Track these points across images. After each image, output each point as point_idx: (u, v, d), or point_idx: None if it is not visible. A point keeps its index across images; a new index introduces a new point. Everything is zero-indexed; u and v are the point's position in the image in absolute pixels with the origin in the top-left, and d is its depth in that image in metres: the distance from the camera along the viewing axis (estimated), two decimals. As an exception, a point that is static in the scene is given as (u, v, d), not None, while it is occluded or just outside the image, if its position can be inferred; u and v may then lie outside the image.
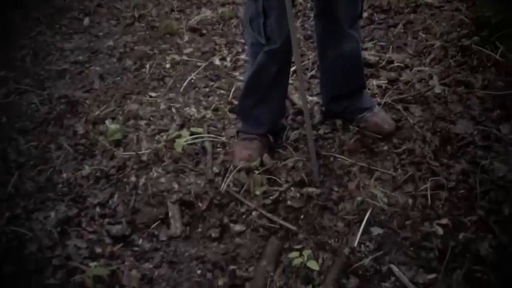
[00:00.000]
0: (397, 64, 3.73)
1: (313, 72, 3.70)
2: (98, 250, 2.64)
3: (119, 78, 4.12)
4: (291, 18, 2.50)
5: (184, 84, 3.86)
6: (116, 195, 2.96)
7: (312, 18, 3.02)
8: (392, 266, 2.39)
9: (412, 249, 2.47)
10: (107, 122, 3.56)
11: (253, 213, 2.72)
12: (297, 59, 2.62)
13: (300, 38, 4.01)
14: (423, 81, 3.53)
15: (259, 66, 2.86)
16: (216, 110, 3.53)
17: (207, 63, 4.08)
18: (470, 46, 3.69)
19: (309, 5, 4.59)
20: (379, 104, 3.29)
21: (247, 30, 2.90)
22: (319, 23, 3.04)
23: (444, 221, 2.56)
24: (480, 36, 3.72)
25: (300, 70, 2.66)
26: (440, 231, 2.52)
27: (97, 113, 3.66)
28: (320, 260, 2.44)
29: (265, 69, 2.87)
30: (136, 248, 2.66)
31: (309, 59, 3.77)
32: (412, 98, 3.37)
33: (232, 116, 3.42)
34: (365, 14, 4.38)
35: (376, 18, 4.33)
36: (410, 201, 2.70)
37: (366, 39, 4.08)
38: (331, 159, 3.00)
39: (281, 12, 2.63)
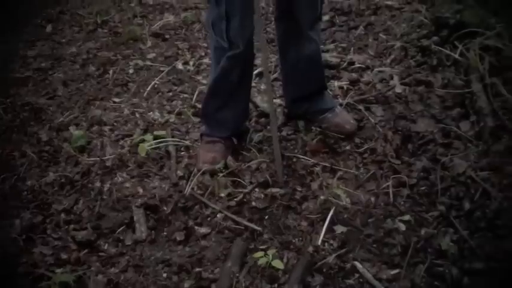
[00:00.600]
0: (358, 65, 3.77)
1: (276, 75, 3.73)
2: (64, 256, 2.62)
3: (82, 84, 4.10)
4: (260, 22, 2.53)
5: (148, 89, 3.86)
6: (81, 201, 2.95)
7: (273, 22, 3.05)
8: (355, 262, 2.42)
9: (375, 246, 2.50)
10: (70, 128, 3.54)
11: (218, 215, 2.73)
12: (264, 62, 2.64)
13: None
14: (384, 81, 3.58)
15: (222, 71, 2.88)
16: (179, 114, 3.54)
17: (170, 67, 4.09)
18: (429, 46, 3.75)
19: (271, 8, 4.62)
20: (341, 104, 3.33)
21: (209, 34, 2.92)
22: (280, 26, 3.08)
23: (406, 217, 2.61)
24: (439, 36, 3.78)
25: (267, 74, 2.68)
26: (402, 227, 2.56)
27: (61, 119, 3.64)
28: (285, 259, 2.46)
29: (228, 73, 2.88)
30: (102, 253, 2.65)
31: (271, 62, 3.79)
32: (373, 98, 3.42)
33: (196, 119, 3.43)
34: (326, 17, 4.43)
35: (338, 21, 4.38)
36: (372, 199, 2.75)
37: (328, 41, 4.13)
38: (295, 159, 3.02)
39: (243, 17, 2.67)
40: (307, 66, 3.09)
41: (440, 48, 3.68)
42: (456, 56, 3.57)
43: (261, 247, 2.53)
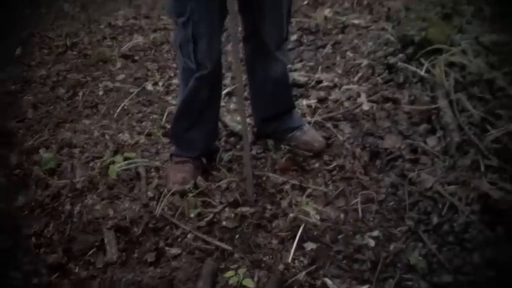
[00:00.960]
0: (326, 83, 3.81)
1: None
2: (35, 281, 2.60)
3: (52, 107, 4.10)
4: (236, 42, 2.54)
5: (118, 110, 3.86)
6: (51, 224, 2.94)
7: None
8: (326, 279, 2.43)
9: (345, 262, 2.52)
10: (40, 151, 3.53)
11: (189, 235, 2.74)
12: (238, 82, 2.64)
13: (231, 61, 4.07)
14: (351, 99, 3.62)
15: (190, 92, 2.89)
16: (149, 134, 3.55)
17: (139, 88, 4.10)
18: (396, 63, 3.79)
19: (239, 28, 4.65)
20: (309, 122, 3.36)
21: (177, 55, 2.93)
22: (247, 46, 3.11)
23: (375, 233, 2.63)
24: (406, 53, 3.83)
25: (241, 94, 2.69)
26: (371, 243, 2.58)
27: (30, 142, 3.63)
28: (256, 278, 2.47)
29: (197, 94, 2.90)
30: (73, 277, 2.63)
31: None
32: (341, 116, 3.46)
33: (166, 140, 3.44)
34: (294, 36, 4.47)
35: (305, 40, 4.42)
36: (342, 215, 2.77)
37: (296, 60, 4.16)
38: (264, 178, 3.04)
39: (211, 38, 2.69)
40: (275, 86, 3.13)
41: (406, 65, 3.73)
42: (422, 72, 3.62)
43: (232, 266, 2.54)
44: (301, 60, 4.13)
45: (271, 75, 3.06)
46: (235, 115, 3.54)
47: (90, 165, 3.34)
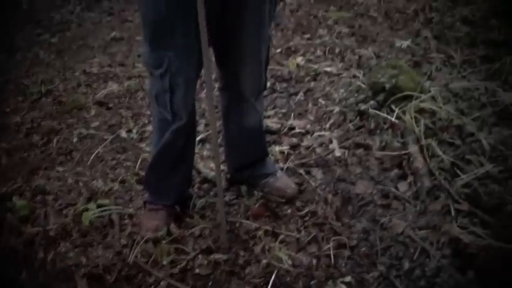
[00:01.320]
0: (299, 130, 3.85)
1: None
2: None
3: (26, 153, 4.10)
4: (210, 89, 2.57)
5: (92, 157, 3.86)
6: (24, 272, 2.91)
7: (216, 89, 3.10)
8: (299, 326, 2.44)
9: (317, 308, 2.53)
10: (14, 198, 3.51)
11: (162, 283, 2.72)
12: (212, 129, 2.65)
13: (205, 108, 4.11)
14: (323, 145, 3.66)
15: (166, 143, 2.89)
16: (123, 181, 3.55)
17: (113, 136, 4.11)
18: (367, 110, 3.86)
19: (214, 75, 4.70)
20: (282, 169, 3.39)
21: (152, 106, 2.92)
22: (224, 96, 3.11)
23: (347, 278, 2.63)
24: (376, 100, 3.90)
25: (215, 142, 2.70)
26: (344, 288, 2.60)
27: (4, 189, 3.62)
28: (229, 325, 2.47)
29: (172, 145, 2.90)
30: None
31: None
32: (313, 162, 3.49)
33: (139, 187, 3.44)
34: (268, 84, 4.51)
35: (278, 87, 4.47)
36: (314, 261, 2.77)
37: (269, 107, 4.21)
38: (237, 224, 3.05)
39: (188, 89, 2.71)
40: (250, 135, 3.16)
41: (377, 112, 3.79)
42: (393, 119, 3.68)
43: (205, 313, 2.54)
44: (274, 107, 4.18)
45: (247, 124, 3.09)
46: (208, 162, 3.57)
47: (64, 212, 3.33)
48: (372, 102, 3.91)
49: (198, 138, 3.46)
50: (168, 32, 2.55)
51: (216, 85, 3.13)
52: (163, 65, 2.64)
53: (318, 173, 3.39)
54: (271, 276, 2.65)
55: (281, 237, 2.93)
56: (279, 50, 4.86)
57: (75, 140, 4.17)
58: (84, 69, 5.18)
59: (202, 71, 2.60)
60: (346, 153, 3.53)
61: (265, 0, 2.67)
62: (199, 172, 3.49)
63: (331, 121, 3.90)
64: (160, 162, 3.01)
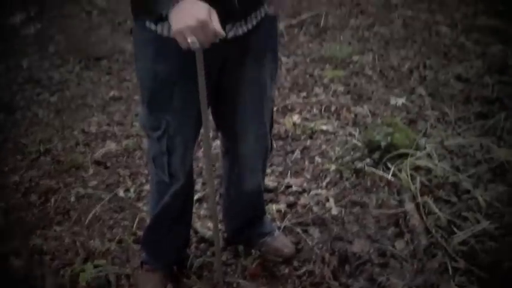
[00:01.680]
0: (295, 188, 3.87)
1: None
2: None
3: (23, 213, 4.09)
4: (208, 147, 2.59)
5: (89, 217, 3.86)
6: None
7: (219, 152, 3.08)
8: None
9: None
10: (11, 258, 3.50)
11: None
12: (211, 194, 2.66)
13: (202, 167, 4.13)
14: (320, 203, 3.67)
15: (164, 207, 2.88)
16: (120, 241, 3.55)
17: (111, 195, 4.12)
18: (363, 168, 3.88)
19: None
20: (279, 227, 3.40)
21: (150, 167, 2.93)
22: (225, 160, 3.08)
23: (346, 338, 2.64)
24: (372, 158, 3.93)
25: (214, 203, 2.71)
26: None
27: (1, 249, 3.61)
28: None
29: (170, 207, 2.90)
30: None
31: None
32: (310, 221, 3.50)
33: (137, 246, 3.44)
34: (274, 146, 4.55)
35: (275, 146, 4.50)
36: (312, 321, 2.77)
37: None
38: (235, 285, 3.04)
39: (185, 151, 2.71)
40: (250, 198, 3.15)
41: (373, 169, 3.82)
42: (389, 176, 3.71)
43: None
44: (271, 165, 4.20)
45: (247, 189, 3.06)
46: (205, 221, 3.57)
47: (61, 272, 3.32)
48: (367, 160, 3.94)
49: (195, 198, 3.47)
50: (165, 95, 2.54)
51: (219, 149, 3.13)
52: (161, 127, 2.62)
53: (315, 231, 3.40)
54: (268, 337, 2.64)
55: (278, 297, 2.93)
56: (275, 109, 4.87)
57: (72, 199, 4.17)
58: (82, 128, 5.21)
59: (201, 131, 2.59)
60: (343, 212, 3.54)
61: (266, 59, 2.66)
62: (196, 232, 3.49)
63: (328, 179, 3.91)
64: (159, 224, 3.00)
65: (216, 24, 2.09)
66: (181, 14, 2.06)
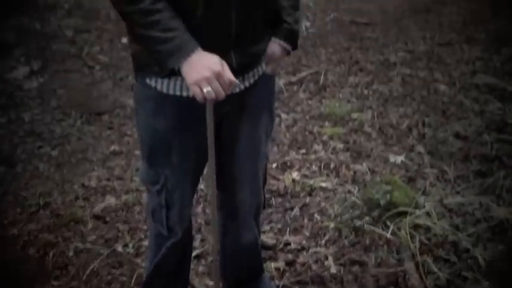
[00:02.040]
0: (294, 246, 3.86)
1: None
2: None
3: (21, 266, 4.07)
4: (213, 203, 2.60)
5: (87, 272, 3.85)
6: None
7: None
8: None
9: None
10: (8, 314, 3.50)
11: None
12: (213, 251, 2.66)
13: (201, 223, 4.14)
14: (319, 261, 3.66)
15: (162, 258, 2.89)
16: (117, 297, 3.54)
17: (110, 250, 4.11)
18: (362, 226, 3.88)
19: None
20: (277, 286, 3.39)
21: (149, 221, 2.95)
22: (220, 214, 3.08)
23: None
24: (371, 216, 3.94)
25: (215, 259, 2.71)
26: None
27: (-2, 305, 3.60)
28: None
29: (168, 261, 2.91)
30: None
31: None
32: (309, 279, 3.48)
33: (134, 303, 3.43)
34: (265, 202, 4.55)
35: (274, 202, 4.50)
36: None
37: (264, 222, 4.21)
38: None
39: (184, 205, 2.74)
40: (246, 254, 3.16)
41: (372, 228, 3.83)
42: (388, 235, 3.71)
43: None
44: (269, 222, 4.20)
45: (243, 242, 3.08)
46: (203, 278, 3.56)
47: (58, 329, 3.31)
48: (367, 218, 3.94)
49: (193, 254, 3.46)
50: (164, 150, 2.59)
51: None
52: (160, 181, 2.66)
53: (313, 290, 3.39)
54: None
55: None
56: (274, 165, 4.92)
57: (71, 253, 4.16)
58: (82, 183, 5.22)
59: (199, 186, 2.63)
60: (342, 270, 3.53)
61: (263, 115, 2.72)
62: (194, 288, 3.48)
63: (327, 237, 3.91)
64: (156, 279, 2.99)
65: (229, 74, 2.14)
66: (196, 66, 2.12)
